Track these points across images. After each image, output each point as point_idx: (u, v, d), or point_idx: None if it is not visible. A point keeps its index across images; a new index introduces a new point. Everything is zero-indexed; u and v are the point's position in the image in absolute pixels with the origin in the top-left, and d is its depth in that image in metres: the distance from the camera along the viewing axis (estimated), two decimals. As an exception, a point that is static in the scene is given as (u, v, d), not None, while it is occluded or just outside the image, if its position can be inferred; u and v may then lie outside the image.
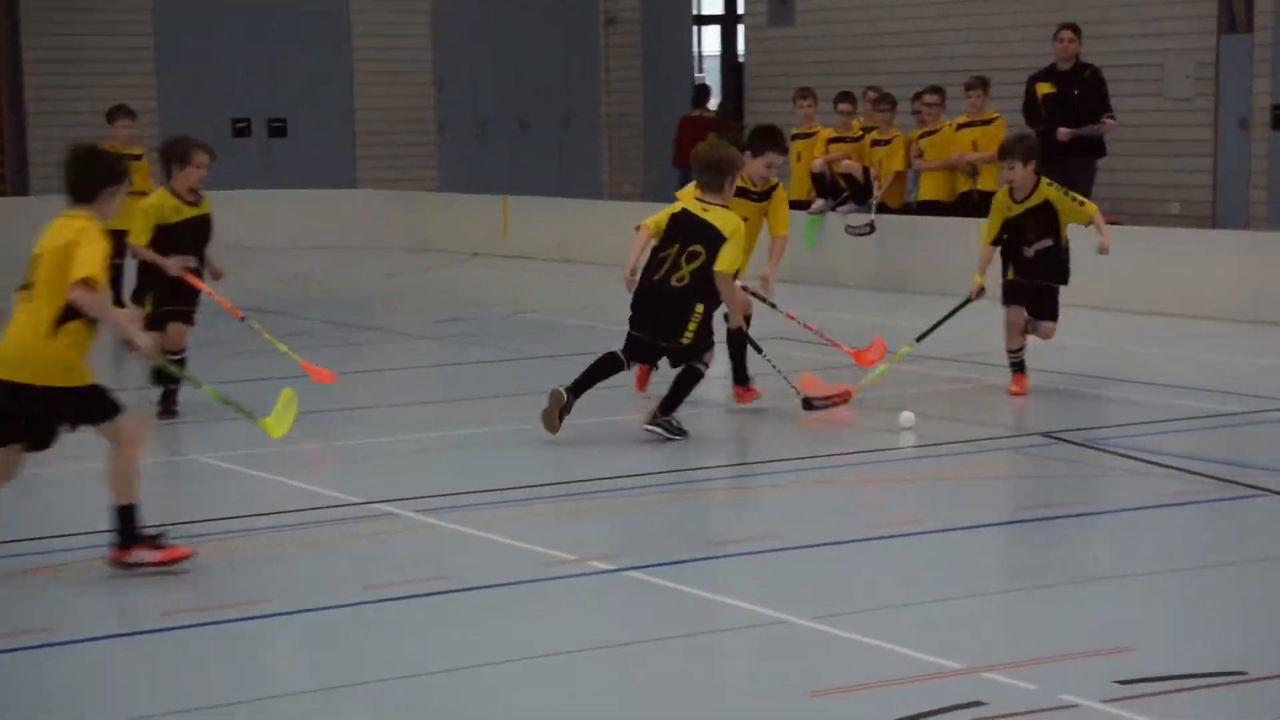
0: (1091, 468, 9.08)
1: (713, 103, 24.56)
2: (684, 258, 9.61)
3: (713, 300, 9.66)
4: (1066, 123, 15.84)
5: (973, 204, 16.36)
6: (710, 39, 27.58)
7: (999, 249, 10.85)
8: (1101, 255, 10.70)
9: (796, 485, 8.80)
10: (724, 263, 9.55)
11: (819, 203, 17.42)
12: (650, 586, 6.89)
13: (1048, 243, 10.70)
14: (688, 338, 9.58)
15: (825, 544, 7.57)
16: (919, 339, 10.90)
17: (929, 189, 16.93)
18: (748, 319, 10.53)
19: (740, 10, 24.32)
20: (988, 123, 16.51)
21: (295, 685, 5.92)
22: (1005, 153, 10.83)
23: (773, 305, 10.59)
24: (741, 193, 10.19)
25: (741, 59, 24.63)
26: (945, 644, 6.13)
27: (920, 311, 14.82)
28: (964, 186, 16.55)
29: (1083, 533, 7.94)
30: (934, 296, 15.20)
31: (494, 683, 5.81)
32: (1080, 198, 10.93)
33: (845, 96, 17.58)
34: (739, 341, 10.50)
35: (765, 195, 10.50)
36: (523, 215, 21.28)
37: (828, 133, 17.52)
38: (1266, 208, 16.92)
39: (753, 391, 10.61)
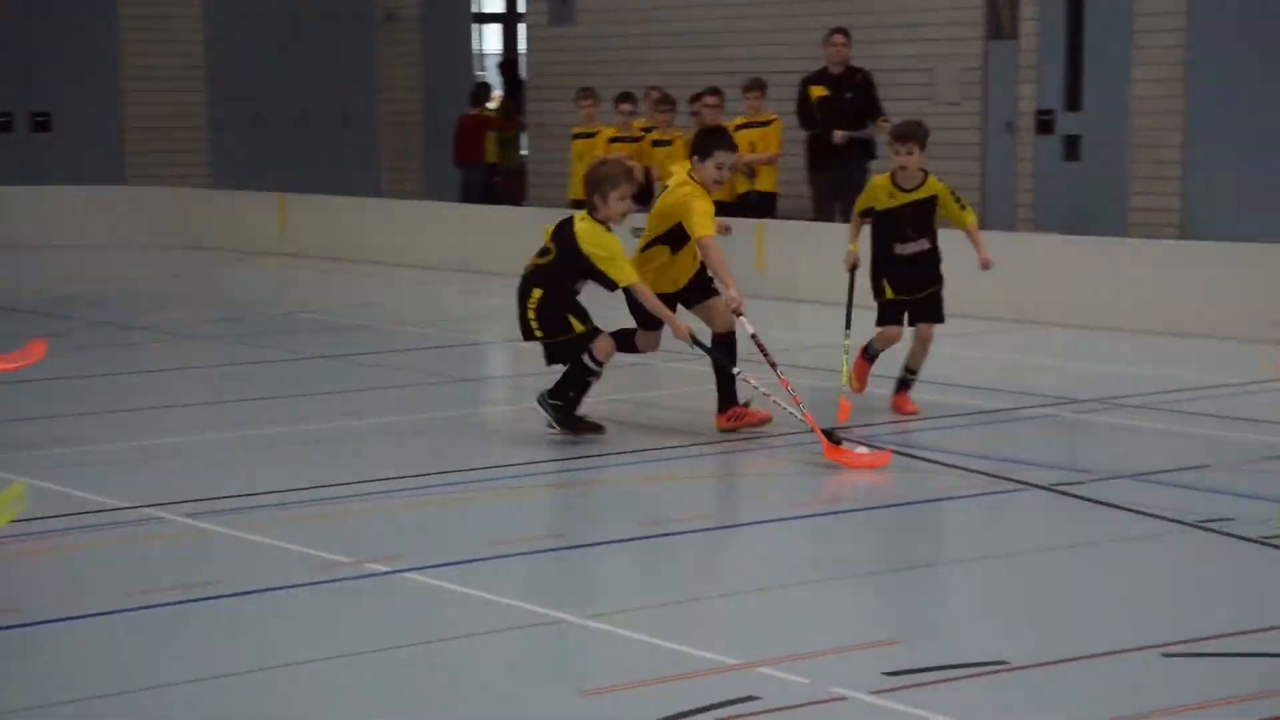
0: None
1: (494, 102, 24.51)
2: (537, 254, 9.65)
3: (558, 290, 9.48)
4: (840, 125, 16.15)
5: (751, 205, 16.58)
6: (491, 37, 27.52)
7: (873, 259, 10.34)
8: (985, 270, 10.39)
9: (576, 484, 8.84)
10: (621, 276, 9.38)
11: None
12: (428, 588, 6.87)
13: (925, 244, 10.27)
14: (534, 324, 9.50)
15: (602, 542, 7.62)
16: (847, 328, 10.35)
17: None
18: (729, 341, 9.81)
19: (521, 9, 24.32)
20: (765, 124, 16.77)
21: (49, 696, 5.76)
22: (905, 137, 10.23)
23: (751, 335, 9.59)
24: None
25: (522, 57, 24.65)
26: (719, 640, 6.21)
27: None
28: (742, 187, 16.76)
29: (856, 528, 8.10)
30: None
31: (260, 690, 5.74)
32: (964, 201, 10.58)
33: (626, 97, 17.72)
34: (719, 360, 9.75)
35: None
36: (300, 213, 21.04)
37: (609, 132, 17.64)
38: (1032, 210, 17.41)
39: (751, 415, 9.74)
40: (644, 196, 17.35)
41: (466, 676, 5.87)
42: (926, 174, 10.23)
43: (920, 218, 10.24)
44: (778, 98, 17.13)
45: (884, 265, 10.31)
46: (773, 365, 9.50)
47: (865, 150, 16.35)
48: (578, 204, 17.86)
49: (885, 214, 10.24)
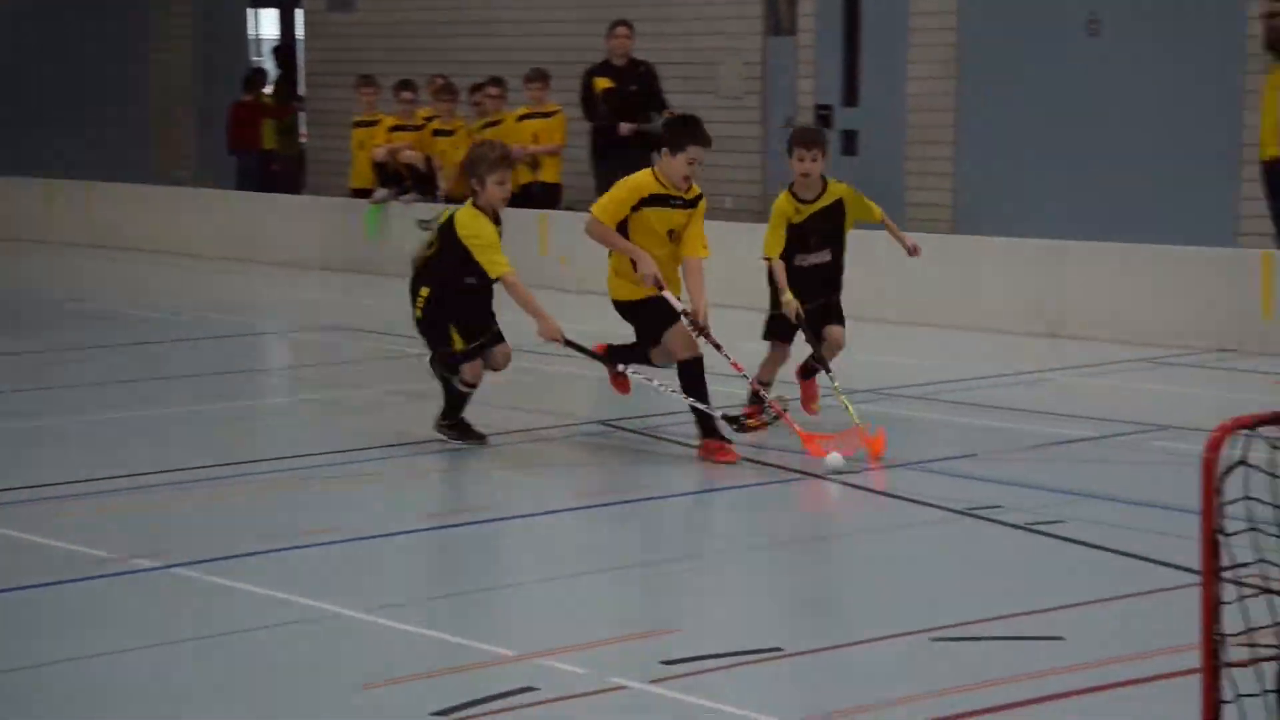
0: (644, 455, 9.33)
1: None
2: (425, 245, 9.37)
3: (444, 289, 9.10)
4: (624, 118, 16.25)
5: (534, 196, 16.62)
6: (268, 22, 27.11)
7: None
8: (915, 255, 10.00)
9: (354, 477, 8.78)
10: (492, 267, 8.97)
11: (381, 192, 17.39)
12: (199, 583, 6.78)
13: (826, 256, 9.56)
14: (418, 325, 9.26)
15: (382, 535, 7.59)
16: (828, 372, 9.58)
17: (489, 179, 17.08)
18: (694, 361, 9.07)
19: (299, -6, 24.03)
20: (549, 115, 16.84)
21: None
22: (810, 143, 9.49)
23: (717, 346, 9.18)
24: (661, 200, 9.07)
25: (300, 43, 24.32)
26: (499, 632, 6.25)
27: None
28: (525, 178, 16.79)
29: (635, 519, 8.17)
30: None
31: (17, 689, 5.62)
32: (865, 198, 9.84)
33: (406, 84, 17.65)
34: (688, 382, 9.04)
35: (694, 202, 9.14)
36: (68, 199, 20.54)
37: (390, 120, 17.55)
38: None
39: (728, 453, 8.90)
40: (426, 185, 17.31)
41: (241, 673, 5.81)
42: (826, 180, 9.58)
43: (828, 227, 9.55)
44: (561, 89, 17.17)
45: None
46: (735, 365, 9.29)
47: (650, 142, 16.46)
48: (358, 193, 17.82)
49: (791, 229, 9.51)
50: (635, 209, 9.03)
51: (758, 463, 8.86)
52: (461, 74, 18.31)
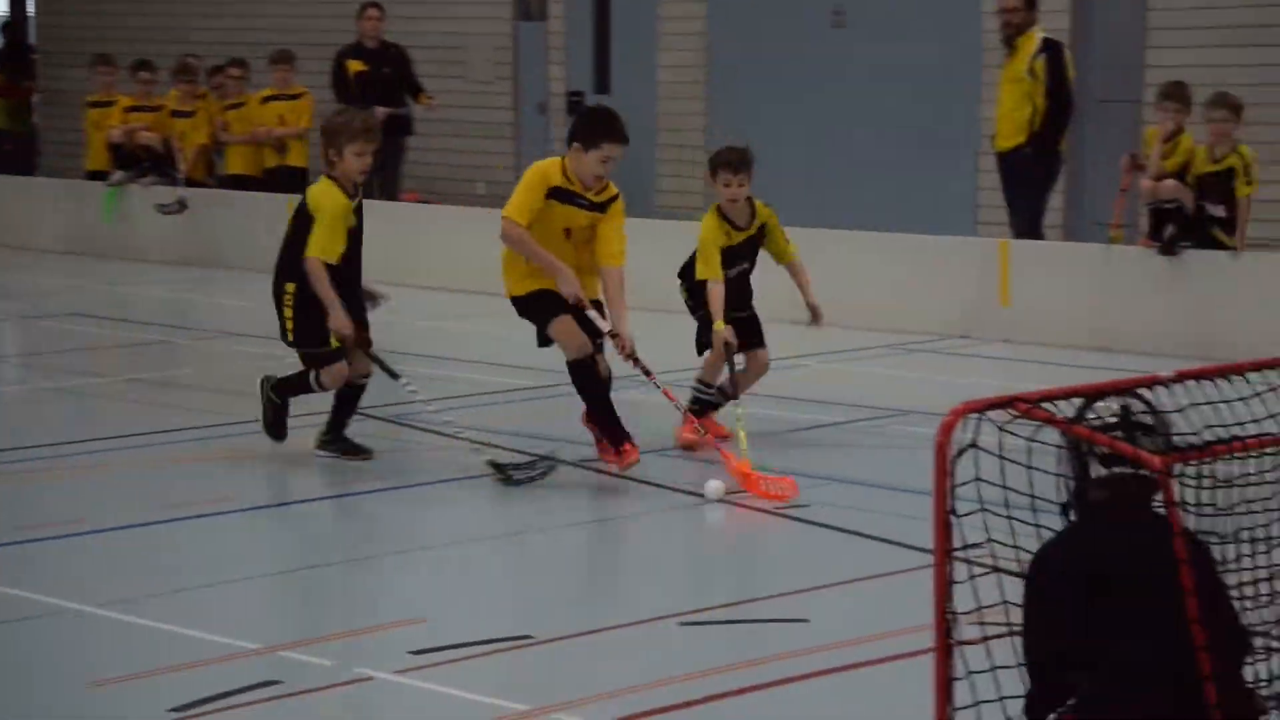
0: (397, 444, 9.26)
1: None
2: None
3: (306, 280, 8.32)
4: (378, 101, 16.10)
5: (281, 179, 16.39)
6: (-1, 0, 26.24)
7: (695, 285, 9.07)
8: (816, 322, 9.42)
9: (95, 467, 8.58)
10: (312, 245, 8.29)
11: (118, 174, 16.99)
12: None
13: (745, 265, 9.19)
14: (289, 332, 8.49)
15: (129, 526, 7.42)
16: (736, 404, 8.83)
17: (236, 163, 16.88)
18: (580, 363, 8.36)
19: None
20: (295, 97, 16.65)
21: None
22: (737, 167, 9.06)
23: (647, 373, 8.52)
24: (567, 197, 8.30)
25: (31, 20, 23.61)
26: (243, 625, 6.16)
27: (231, 286, 14.79)
28: (271, 162, 16.58)
29: (385, 508, 8.11)
30: (245, 272, 15.17)
31: None
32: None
33: (144, 64, 17.33)
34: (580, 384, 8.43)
35: (604, 205, 8.40)
36: None
37: (126, 101, 17.19)
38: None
39: (628, 453, 8.24)
40: (165, 167, 16.95)
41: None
42: (753, 204, 9.17)
43: (753, 251, 9.23)
44: (308, 70, 16.95)
45: (700, 291, 9.01)
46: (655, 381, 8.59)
47: (403, 126, 16.43)
48: (94, 175, 17.36)
49: (724, 254, 8.97)
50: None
51: (514, 450, 8.84)
52: (202, 55, 18.00)
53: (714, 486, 7.82)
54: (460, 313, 13.71)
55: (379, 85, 16.17)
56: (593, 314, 8.29)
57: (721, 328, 8.73)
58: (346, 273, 8.43)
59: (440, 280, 14.81)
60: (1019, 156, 12.77)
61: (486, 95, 18.10)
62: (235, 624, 6.14)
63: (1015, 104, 12.70)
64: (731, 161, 9.00)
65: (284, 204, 15.82)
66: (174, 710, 5.13)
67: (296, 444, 9.10)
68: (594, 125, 8.41)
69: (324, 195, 8.36)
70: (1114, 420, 4.12)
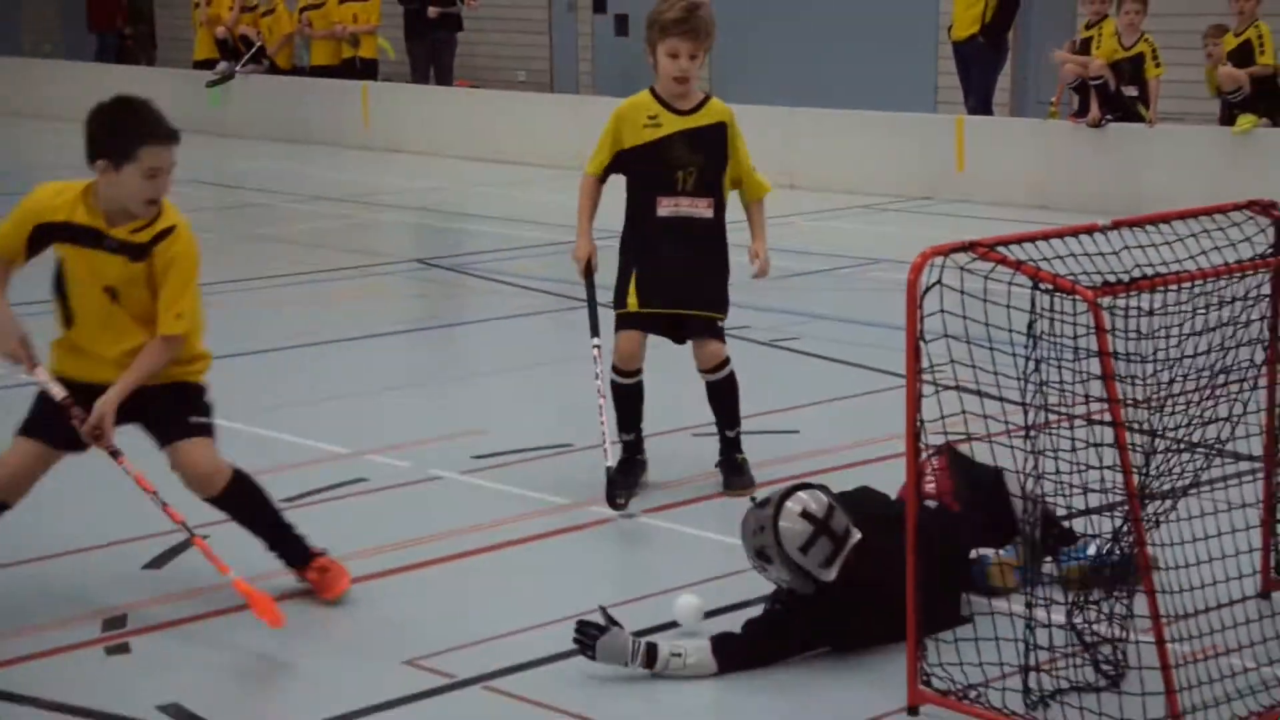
0: (459, 288, 9.26)
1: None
2: None
3: None
4: (431, 1, 15.94)
5: (355, 69, 16.26)
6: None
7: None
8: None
9: (218, 304, 8.55)
10: None
11: (223, 65, 16.83)
12: None
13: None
14: None
15: (237, 354, 7.43)
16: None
17: (319, 55, 16.70)
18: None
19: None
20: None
21: None
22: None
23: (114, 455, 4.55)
24: (84, 236, 4.44)
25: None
26: (334, 433, 6.19)
27: (318, 159, 14.71)
28: (348, 54, 16.43)
29: (450, 341, 8.13)
30: (330, 146, 15.10)
31: None
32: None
33: None
34: None
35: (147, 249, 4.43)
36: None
37: (227, 2, 16.98)
38: (592, 77, 17.53)
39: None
40: (259, 55, 16.78)
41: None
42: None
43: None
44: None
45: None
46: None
47: (454, 23, 16.24)
48: (200, 64, 17.20)
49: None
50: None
51: (541, 292, 8.81)
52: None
53: (686, 606, 4.45)
54: (505, 180, 13.66)
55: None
56: (39, 374, 4.48)
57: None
58: None
59: (488, 153, 14.74)
60: (973, 45, 12.61)
61: (524, -3, 17.83)
62: (331, 433, 6.18)
63: (970, 1, 12.52)
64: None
65: (360, 90, 15.77)
66: (286, 500, 5.16)
67: (382, 286, 9.09)
68: (123, 130, 4.46)
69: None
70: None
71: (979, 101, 12.81)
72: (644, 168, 5.42)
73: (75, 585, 4.74)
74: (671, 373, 5.91)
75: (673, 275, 5.44)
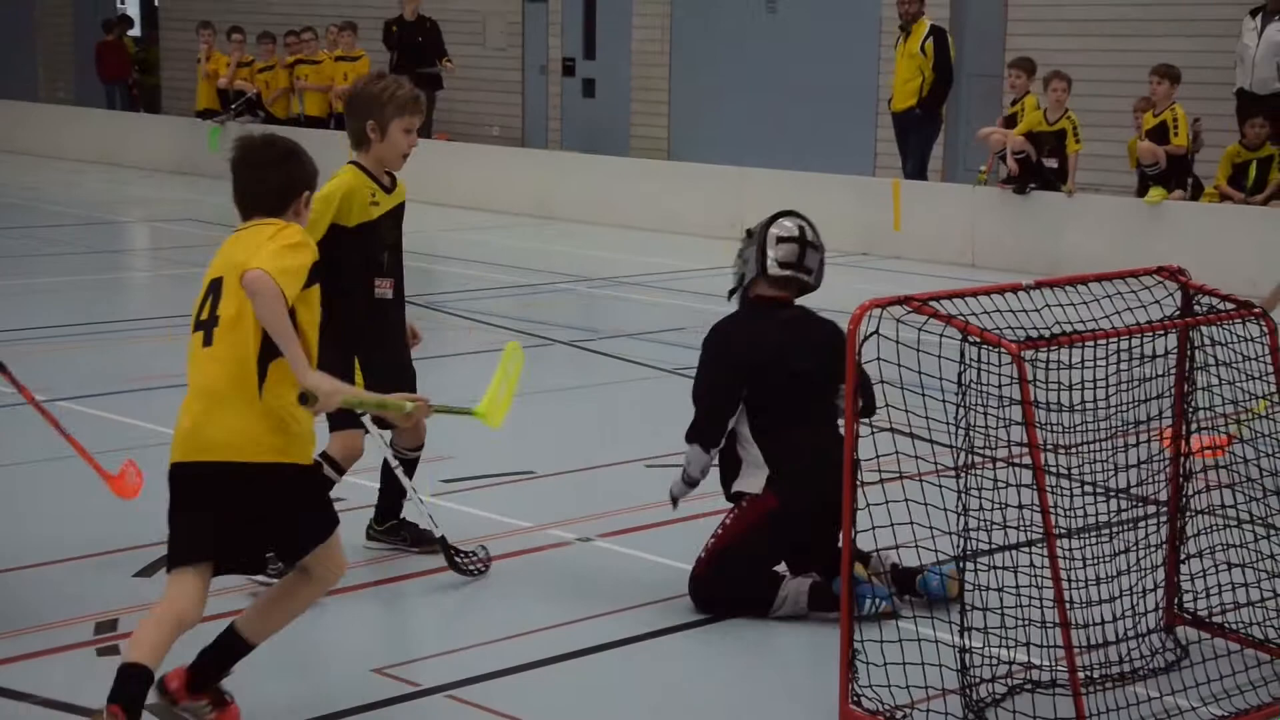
0: (430, 324, 9.16)
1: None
2: None
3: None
4: (415, 62, 15.96)
5: (344, 121, 16.25)
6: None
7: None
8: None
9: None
10: None
11: (222, 115, 16.81)
12: None
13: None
14: None
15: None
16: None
17: (311, 106, 16.71)
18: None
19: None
20: (356, 59, 16.45)
21: None
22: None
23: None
24: None
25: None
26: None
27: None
28: (339, 108, 16.41)
29: (422, 373, 8.00)
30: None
31: None
32: None
33: (236, 29, 17.26)
34: None
35: None
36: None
37: (225, 58, 17.06)
38: (560, 134, 17.54)
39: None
40: (256, 107, 16.70)
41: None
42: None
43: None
44: (367, 38, 16.76)
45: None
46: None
47: (434, 82, 16.24)
48: (201, 114, 17.13)
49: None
50: None
51: (503, 329, 8.74)
52: (279, 24, 17.77)
53: None
54: (477, 226, 13.61)
55: (414, 49, 16.00)
56: None
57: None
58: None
59: (462, 200, 14.72)
60: (910, 116, 12.68)
61: (500, 59, 17.83)
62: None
63: (909, 75, 12.60)
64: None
65: (343, 138, 15.69)
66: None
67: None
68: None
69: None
70: (793, 236, 4.80)
71: (915, 167, 12.88)
72: (363, 247, 4.76)
73: (70, 591, 4.65)
74: (619, 408, 5.87)
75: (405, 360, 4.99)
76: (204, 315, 3.54)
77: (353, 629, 4.42)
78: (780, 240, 4.73)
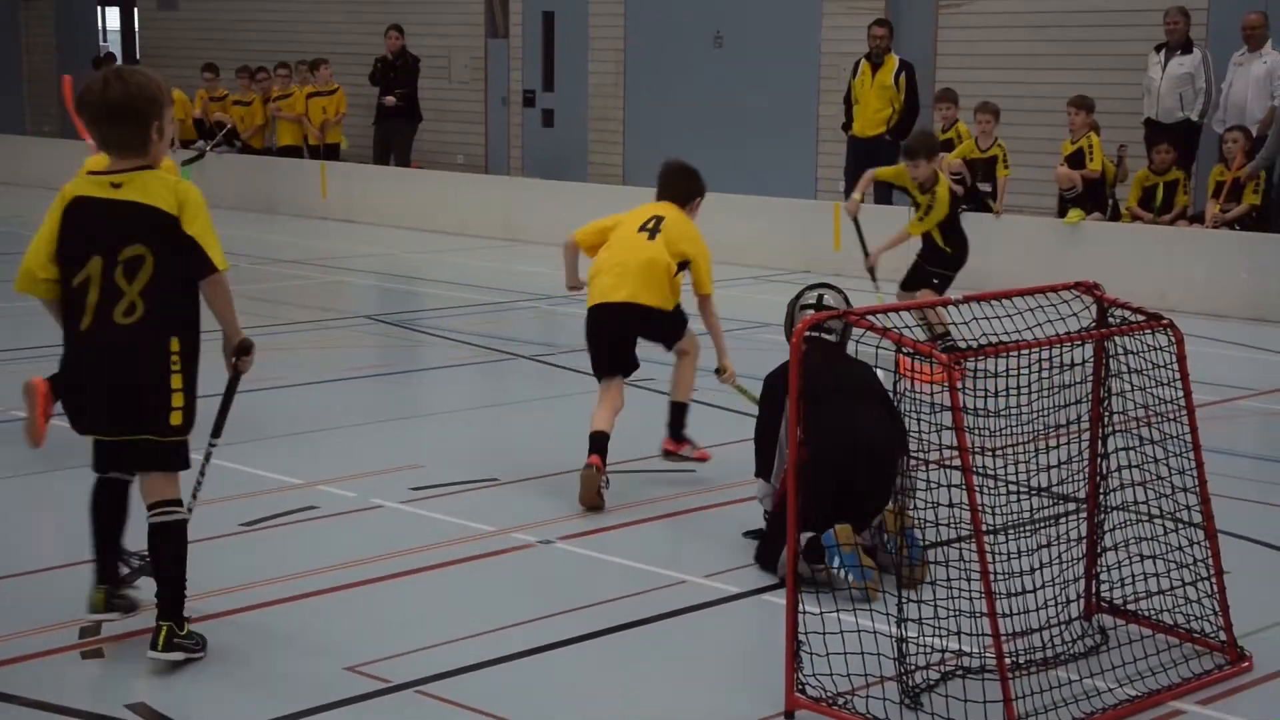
0: (402, 341, 9.17)
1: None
2: None
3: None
4: (392, 92, 16.13)
5: (318, 152, 16.26)
6: (112, 16, 25.50)
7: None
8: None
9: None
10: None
11: (200, 143, 16.70)
12: None
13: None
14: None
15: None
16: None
17: (285, 137, 16.63)
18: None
19: (135, -6, 22.68)
20: (331, 92, 16.41)
21: None
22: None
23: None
24: None
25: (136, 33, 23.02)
26: (288, 466, 6.07)
27: (280, 226, 14.54)
28: (313, 141, 16.42)
29: (394, 387, 8.03)
30: (288, 216, 14.92)
31: None
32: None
33: (209, 67, 17.23)
34: None
35: None
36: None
37: (203, 94, 16.94)
38: (521, 163, 17.54)
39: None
40: (231, 140, 16.62)
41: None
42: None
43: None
44: (342, 71, 16.76)
45: None
46: None
47: (413, 115, 16.34)
48: (180, 144, 17.02)
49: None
50: None
51: (473, 345, 8.74)
52: (258, 59, 17.66)
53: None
54: (445, 249, 13.58)
55: (391, 81, 16.09)
56: None
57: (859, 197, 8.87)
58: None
59: (431, 225, 14.70)
60: (879, 142, 12.72)
61: (465, 91, 17.82)
62: (286, 466, 6.07)
63: (880, 105, 12.69)
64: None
65: (316, 167, 15.66)
66: (244, 525, 5.06)
67: (336, 340, 8.98)
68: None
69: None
70: (810, 304, 5.27)
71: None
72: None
73: (56, 598, 4.60)
74: (577, 419, 5.87)
75: None
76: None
77: (326, 628, 4.41)
78: (803, 308, 5.32)
